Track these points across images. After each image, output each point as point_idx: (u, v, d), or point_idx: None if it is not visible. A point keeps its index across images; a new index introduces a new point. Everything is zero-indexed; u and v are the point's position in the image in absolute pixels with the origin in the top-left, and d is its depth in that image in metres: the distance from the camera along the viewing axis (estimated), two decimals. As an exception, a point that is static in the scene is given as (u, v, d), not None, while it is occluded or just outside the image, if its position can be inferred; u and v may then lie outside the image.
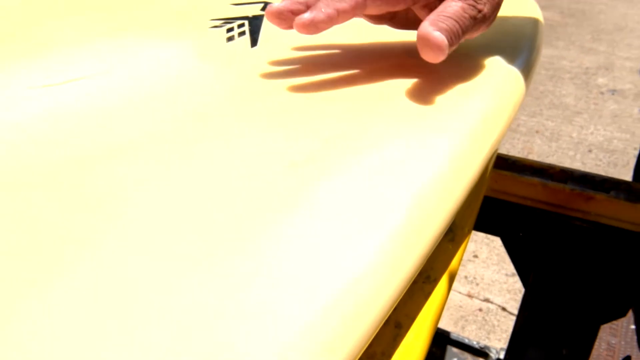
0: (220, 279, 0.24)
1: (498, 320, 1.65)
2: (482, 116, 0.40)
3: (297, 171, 0.32)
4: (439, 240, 0.32)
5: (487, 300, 1.73)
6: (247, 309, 0.23)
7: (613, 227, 0.57)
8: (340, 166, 0.33)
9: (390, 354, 0.30)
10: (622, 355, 1.57)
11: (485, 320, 1.66)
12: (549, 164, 0.61)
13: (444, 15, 0.39)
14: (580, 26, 3.82)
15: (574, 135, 2.55)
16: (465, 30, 0.40)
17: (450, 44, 0.38)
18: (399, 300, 0.27)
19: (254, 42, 0.53)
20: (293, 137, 0.36)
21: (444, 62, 0.44)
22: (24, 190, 0.30)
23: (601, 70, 3.20)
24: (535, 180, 0.59)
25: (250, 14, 0.61)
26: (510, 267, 1.83)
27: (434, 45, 0.37)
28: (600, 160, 2.35)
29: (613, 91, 2.96)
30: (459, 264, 0.40)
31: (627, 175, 2.24)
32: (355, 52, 0.51)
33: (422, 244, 0.29)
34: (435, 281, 0.36)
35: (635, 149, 2.44)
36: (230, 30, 0.56)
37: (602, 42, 3.58)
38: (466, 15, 0.40)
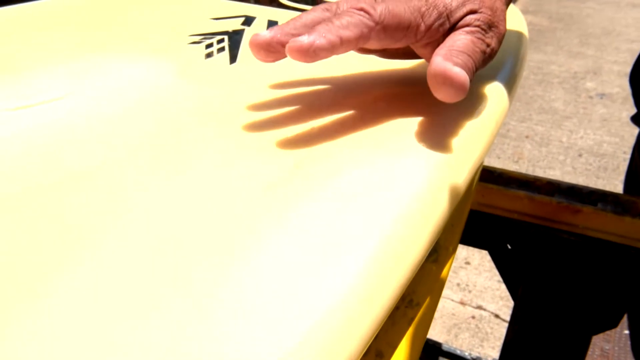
0: (188, 309, 0.23)
1: (491, 328, 1.64)
2: (464, 132, 0.40)
3: (270, 195, 0.31)
4: (420, 264, 0.31)
5: (480, 307, 1.72)
6: (215, 344, 0.22)
7: (601, 240, 0.57)
8: (315, 189, 0.32)
9: (372, 385, 0.29)
10: (616, 361, 1.55)
11: (479, 327, 1.65)
12: (535, 177, 0.60)
13: (456, 50, 0.35)
14: (569, 30, 3.84)
15: (564, 139, 2.56)
16: (477, 66, 0.36)
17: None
18: (379, 328, 0.26)
19: (233, 58, 0.53)
20: (268, 159, 0.35)
21: (422, 78, 0.43)
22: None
23: (589, 74, 3.22)
24: (522, 193, 0.58)
25: (230, 29, 0.60)
26: (502, 274, 1.83)
27: (455, 83, 0.33)
28: (591, 164, 2.35)
29: (602, 95, 2.98)
30: (443, 285, 0.40)
31: (618, 179, 2.24)
32: (335, 73, 0.50)
33: (403, 269, 0.28)
34: (419, 305, 0.35)
35: (624, 152, 2.45)
36: (209, 46, 0.55)
37: (590, 46, 3.60)
38: (477, 50, 0.36)
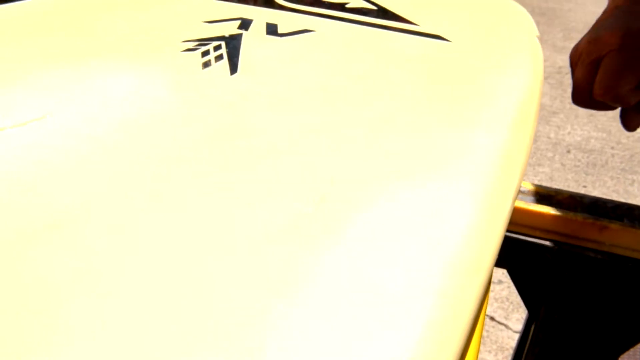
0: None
1: (487, 331, 1.62)
2: (503, 157, 0.35)
3: (296, 236, 0.26)
4: (476, 319, 0.26)
5: (474, 309, 1.69)
6: None
7: (629, 258, 0.53)
8: (350, 229, 0.27)
9: None
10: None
11: (474, 331, 1.62)
12: (556, 190, 0.57)
13: None
14: (552, 25, 3.84)
15: (552, 135, 2.55)
16: None
17: None
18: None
19: (233, 68, 0.47)
20: (288, 193, 0.30)
21: (453, 95, 0.39)
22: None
23: (574, 69, 3.22)
24: (544, 209, 0.54)
25: (226, 34, 0.55)
26: (496, 274, 1.80)
27: None
28: (579, 160, 2.34)
29: (587, 90, 2.97)
30: (483, 326, 0.35)
31: (607, 175, 2.24)
32: (351, 83, 0.45)
33: (460, 330, 0.24)
34: (463, 356, 0.31)
35: (612, 147, 2.45)
36: (205, 53, 0.50)
37: (574, 41, 3.59)
38: None
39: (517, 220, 0.55)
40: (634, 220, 0.53)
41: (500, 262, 0.57)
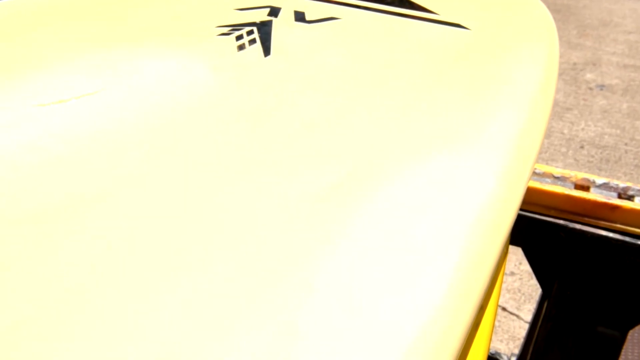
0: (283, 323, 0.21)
1: (499, 321, 1.64)
2: (521, 133, 0.38)
3: (333, 202, 0.29)
4: (497, 269, 0.29)
5: (486, 300, 1.72)
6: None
7: (638, 236, 0.56)
8: (382, 195, 0.30)
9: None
10: None
11: (486, 321, 1.65)
12: (570, 171, 0.59)
13: None
14: (566, 21, 3.83)
15: (565, 131, 2.55)
16: None
17: None
18: (469, 333, 0.25)
19: (266, 50, 0.51)
20: (321, 164, 0.33)
21: (473, 78, 0.42)
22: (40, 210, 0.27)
23: (589, 65, 3.21)
24: (558, 189, 0.57)
25: (257, 20, 0.58)
26: (508, 266, 1.82)
27: None
28: (593, 156, 2.35)
29: (601, 86, 2.97)
30: (501, 287, 0.38)
31: (620, 171, 2.24)
32: (377, 66, 0.48)
33: (483, 279, 0.27)
34: (483, 309, 0.34)
35: (626, 144, 2.45)
36: (239, 37, 0.53)
37: (589, 38, 3.59)
38: None
39: (533, 200, 0.58)
40: (644, 201, 0.55)
41: (515, 240, 0.60)
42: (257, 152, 0.34)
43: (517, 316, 1.64)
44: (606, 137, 2.50)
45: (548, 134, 2.53)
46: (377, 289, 0.24)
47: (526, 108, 0.41)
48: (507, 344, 1.57)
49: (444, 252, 0.26)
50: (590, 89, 2.95)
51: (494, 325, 0.34)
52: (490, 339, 0.33)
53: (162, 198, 0.30)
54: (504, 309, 1.66)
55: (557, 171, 0.59)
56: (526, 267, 1.84)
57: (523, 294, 1.71)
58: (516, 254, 1.87)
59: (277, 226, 0.27)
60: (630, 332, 0.84)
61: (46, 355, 0.19)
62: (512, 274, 1.77)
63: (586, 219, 0.56)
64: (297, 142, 0.35)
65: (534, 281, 1.79)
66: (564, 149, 2.40)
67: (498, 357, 0.95)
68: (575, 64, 3.23)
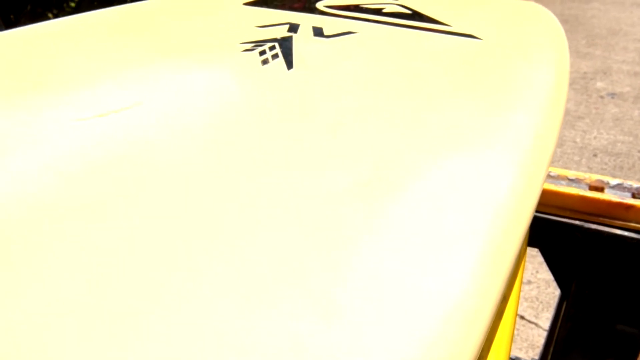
0: (314, 308, 0.23)
1: (517, 329, 1.64)
2: (538, 129, 0.40)
3: (360, 200, 0.32)
4: (519, 258, 0.31)
5: (504, 309, 1.72)
6: (340, 352, 0.22)
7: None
8: (404, 192, 0.32)
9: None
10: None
11: (504, 330, 1.65)
12: (584, 173, 0.61)
13: None
14: (575, 31, 3.85)
15: (578, 140, 2.56)
16: None
17: None
18: (492, 323, 0.26)
19: (289, 64, 0.53)
20: (348, 163, 0.35)
21: (489, 84, 0.44)
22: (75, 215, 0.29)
23: (599, 74, 3.22)
24: (573, 190, 0.59)
25: (278, 36, 0.61)
26: (525, 275, 1.82)
27: None
28: (606, 164, 2.35)
29: (612, 95, 2.98)
30: (522, 280, 0.40)
31: (634, 178, 2.24)
32: (396, 74, 0.51)
33: (505, 268, 0.29)
34: (506, 300, 0.36)
35: (639, 151, 2.45)
36: (262, 53, 0.56)
37: (598, 47, 3.60)
38: None
39: (549, 201, 0.60)
40: (658, 200, 0.57)
41: (533, 242, 0.62)
42: (287, 153, 0.36)
43: (536, 324, 1.64)
44: (619, 144, 2.51)
45: (560, 143, 2.53)
46: (401, 280, 0.26)
47: (540, 111, 0.43)
48: (527, 352, 1.57)
49: (465, 245, 0.28)
50: (601, 97, 2.96)
51: (514, 327, 0.36)
52: (512, 340, 0.35)
53: (203, 197, 0.32)
54: (522, 317, 1.66)
55: (572, 173, 0.61)
56: (543, 275, 1.84)
57: (541, 302, 1.71)
58: (532, 263, 1.87)
59: (309, 220, 0.29)
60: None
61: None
62: (529, 282, 1.77)
63: (601, 219, 0.57)
64: (324, 144, 0.38)
65: (551, 289, 1.79)
66: (577, 158, 2.41)
67: (518, 361, 0.96)
68: (585, 73, 3.24)
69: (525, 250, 0.43)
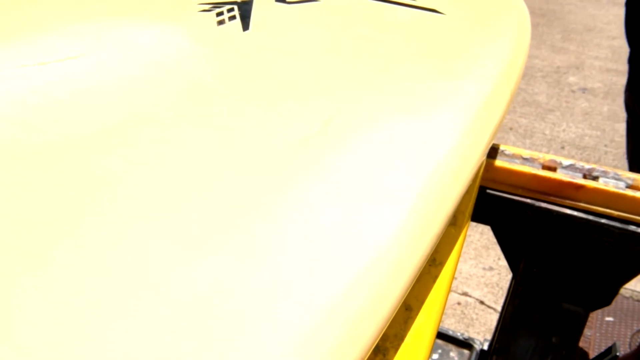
0: (235, 258, 0.23)
1: (476, 314, 1.67)
2: (484, 101, 0.40)
3: (304, 149, 0.31)
4: (447, 224, 0.31)
5: (465, 294, 1.74)
6: (265, 291, 0.22)
7: (602, 215, 0.58)
8: (346, 144, 0.32)
9: (403, 336, 0.30)
10: (598, 347, 1.59)
11: (464, 313, 1.67)
12: (538, 153, 0.61)
13: None
14: (551, 26, 3.89)
15: (547, 132, 2.59)
16: None
17: None
18: (413, 283, 0.26)
19: (245, 26, 0.52)
20: (296, 117, 0.35)
21: (445, 54, 0.44)
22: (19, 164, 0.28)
23: (572, 69, 3.27)
24: (526, 169, 0.59)
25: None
26: (487, 261, 1.85)
27: None
28: (573, 157, 2.39)
29: (584, 89, 3.02)
30: (462, 248, 0.40)
31: (599, 171, 2.29)
32: (352, 41, 0.50)
33: (434, 228, 0.29)
34: (441, 265, 0.36)
35: (605, 145, 2.50)
36: (220, 14, 0.55)
37: (573, 42, 3.65)
38: None
39: (502, 179, 0.60)
40: (607, 181, 0.57)
41: (484, 219, 0.62)
42: (239, 108, 0.35)
43: (495, 309, 1.66)
44: (587, 138, 2.55)
45: (530, 135, 2.57)
46: (332, 226, 0.25)
47: (490, 82, 0.43)
48: (484, 335, 1.60)
49: (396, 199, 0.28)
50: (573, 91, 3.00)
51: (449, 291, 0.36)
52: (445, 303, 0.35)
53: (146, 146, 0.31)
54: (481, 302, 1.69)
55: (526, 152, 0.61)
56: (504, 262, 1.87)
57: (501, 288, 1.73)
58: (495, 250, 1.90)
59: (255, 168, 0.29)
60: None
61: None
62: (491, 269, 1.80)
63: (552, 198, 0.58)
64: (275, 100, 0.37)
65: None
66: (545, 149, 2.44)
67: (471, 342, 0.98)
68: (558, 67, 3.28)
69: (468, 220, 0.43)
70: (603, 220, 0.58)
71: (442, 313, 0.33)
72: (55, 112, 0.35)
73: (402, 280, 0.25)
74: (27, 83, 0.38)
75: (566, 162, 0.61)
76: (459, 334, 0.97)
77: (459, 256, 0.38)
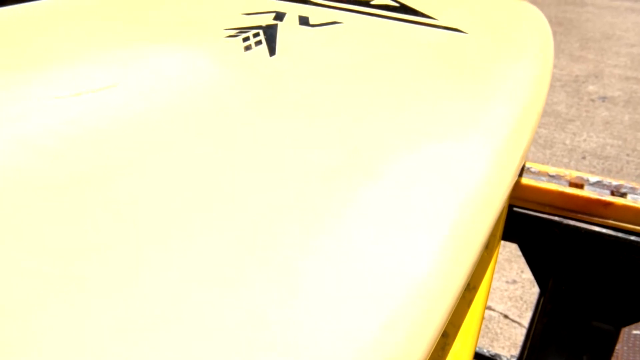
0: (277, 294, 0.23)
1: (501, 328, 1.65)
2: (513, 123, 0.40)
3: (335, 180, 0.32)
4: (483, 249, 0.31)
5: (489, 307, 1.73)
6: (303, 325, 0.22)
7: (632, 232, 0.57)
8: (380, 174, 0.32)
9: (440, 364, 0.30)
10: (626, 361, 1.55)
11: (488, 327, 1.65)
12: (565, 170, 0.61)
13: None
14: (569, 34, 3.87)
15: (567, 142, 2.57)
16: None
17: None
18: (453, 311, 0.27)
19: (272, 51, 0.53)
20: (327, 146, 0.35)
21: (470, 75, 0.44)
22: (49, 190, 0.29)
23: (591, 77, 3.24)
24: (553, 186, 0.59)
25: (263, 24, 0.61)
26: (510, 274, 1.83)
27: None
28: (594, 167, 2.37)
29: (603, 98, 2.99)
30: (494, 270, 0.40)
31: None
32: (379, 63, 0.51)
33: (471, 255, 0.29)
34: (475, 289, 0.36)
35: (627, 155, 2.47)
36: (246, 39, 0.56)
37: (591, 50, 3.62)
38: None
39: (528, 197, 0.60)
40: (636, 197, 0.57)
41: (512, 237, 0.62)
42: (262, 136, 0.36)
43: (519, 323, 1.65)
44: (608, 147, 2.52)
45: (550, 145, 2.55)
46: (370, 258, 0.26)
47: (518, 103, 0.43)
48: (509, 350, 1.58)
49: (431, 229, 0.28)
50: (592, 100, 2.97)
51: (483, 316, 0.36)
52: (480, 328, 0.35)
53: (178, 176, 0.32)
54: (505, 316, 1.67)
55: (552, 170, 0.61)
56: (528, 275, 1.85)
57: (525, 301, 1.72)
58: (518, 263, 1.88)
59: (283, 199, 0.29)
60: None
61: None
62: (514, 282, 1.78)
63: (580, 216, 0.58)
64: (305, 128, 0.37)
65: (535, 289, 1.80)
66: (566, 160, 2.42)
67: (498, 358, 0.97)
68: (577, 76, 3.25)
69: (499, 242, 0.43)
70: (632, 238, 0.57)
71: (478, 337, 0.33)
72: (89, 143, 0.36)
73: (442, 310, 0.25)
74: (61, 114, 0.39)
75: (593, 178, 0.60)
76: (485, 351, 0.96)
77: (492, 279, 0.38)
